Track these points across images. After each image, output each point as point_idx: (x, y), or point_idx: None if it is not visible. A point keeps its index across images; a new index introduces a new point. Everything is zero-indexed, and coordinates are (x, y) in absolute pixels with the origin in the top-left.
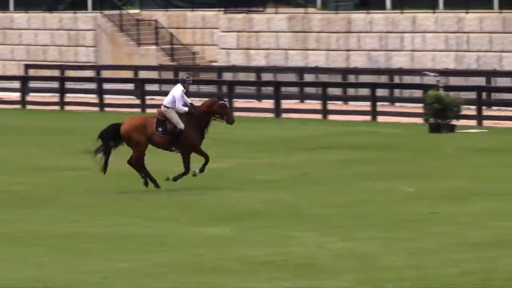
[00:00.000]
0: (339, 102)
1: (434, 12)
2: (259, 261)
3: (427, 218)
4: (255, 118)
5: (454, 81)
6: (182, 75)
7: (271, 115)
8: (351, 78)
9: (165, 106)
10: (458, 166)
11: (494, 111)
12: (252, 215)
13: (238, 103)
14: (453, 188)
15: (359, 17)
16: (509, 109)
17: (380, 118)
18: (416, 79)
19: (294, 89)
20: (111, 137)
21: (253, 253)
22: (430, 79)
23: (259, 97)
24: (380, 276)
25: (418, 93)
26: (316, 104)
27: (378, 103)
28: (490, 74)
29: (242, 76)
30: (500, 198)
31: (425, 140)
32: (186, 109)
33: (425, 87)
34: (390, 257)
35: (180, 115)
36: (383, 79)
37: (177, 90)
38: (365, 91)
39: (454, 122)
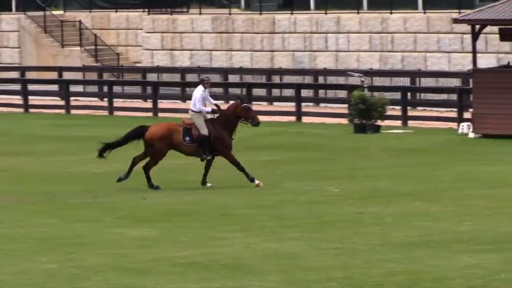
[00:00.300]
0: (264, 103)
1: (358, 13)
2: (187, 262)
3: (352, 218)
4: (180, 118)
5: (378, 81)
6: (202, 76)
7: None
8: (276, 79)
9: (191, 110)
10: (383, 167)
11: (419, 112)
12: (180, 216)
13: (163, 104)
14: (378, 189)
15: (283, 18)
16: (434, 109)
17: (305, 119)
18: (341, 80)
19: (218, 90)
20: (134, 138)
21: (181, 254)
22: (354, 80)
23: (184, 98)
24: (307, 276)
25: (342, 93)
26: None
27: (303, 104)
28: (414, 74)
29: (166, 77)
30: (424, 198)
31: (350, 140)
32: (208, 109)
33: (349, 88)
34: (317, 257)
35: (205, 121)
36: (308, 79)
37: (198, 91)
38: (289, 92)
39: (379, 122)
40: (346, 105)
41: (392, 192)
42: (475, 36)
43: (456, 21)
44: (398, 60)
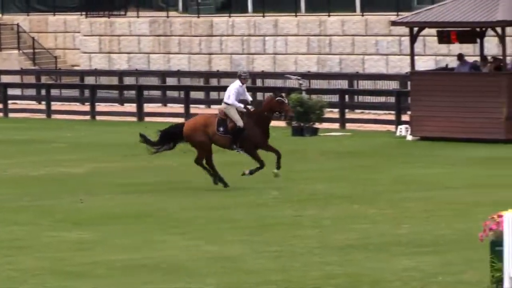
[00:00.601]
0: (202, 106)
1: (296, 15)
2: (125, 265)
3: (291, 221)
4: (118, 122)
5: (316, 84)
6: (240, 70)
7: (133, 119)
8: (214, 82)
9: (224, 103)
10: (321, 169)
11: (357, 114)
12: (118, 219)
13: (100, 107)
14: (316, 191)
15: (221, 20)
16: (372, 112)
17: None
18: (279, 82)
19: (156, 93)
20: (172, 137)
21: (118, 257)
22: (292, 82)
23: (122, 101)
24: (246, 279)
25: None
26: (178, 108)
27: None
28: (352, 77)
29: (104, 80)
30: (363, 201)
31: (288, 143)
32: (240, 105)
33: (287, 90)
34: (256, 260)
35: (241, 114)
36: None
37: (233, 85)
38: None
39: (317, 125)
40: None
41: (331, 195)
42: (413, 38)
43: (394, 23)
44: (336, 62)
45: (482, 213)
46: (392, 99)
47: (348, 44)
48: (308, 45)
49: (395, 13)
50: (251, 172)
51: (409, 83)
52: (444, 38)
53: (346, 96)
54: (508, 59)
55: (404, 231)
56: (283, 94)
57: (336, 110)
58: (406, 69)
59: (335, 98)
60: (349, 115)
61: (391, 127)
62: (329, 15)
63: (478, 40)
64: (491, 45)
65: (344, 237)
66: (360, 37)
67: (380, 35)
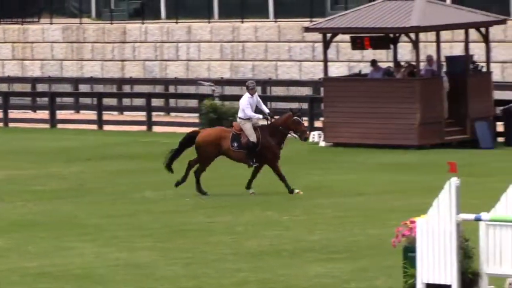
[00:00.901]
0: (115, 113)
1: (209, 22)
2: (37, 272)
3: (204, 228)
4: (31, 129)
5: (229, 90)
6: (248, 81)
7: (46, 125)
8: (127, 88)
9: (239, 118)
10: (234, 175)
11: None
12: (29, 226)
13: (13, 114)
14: (229, 198)
15: (134, 27)
16: None
17: (156, 128)
18: (192, 89)
19: (69, 100)
20: (188, 143)
21: (30, 264)
22: (205, 89)
23: (34, 108)
24: (157, 286)
25: (193, 102)
26: (91, 115)
27: (154, 113)
28: (265, 83)
29: (17, 87)
30: (276, 207)
31: None
32: (258, 116)
33: (200, 97)
34: (168, 267)
35: (254, 128)
36: (159, 88)
37: (243, 99)
38: (140, 101)
39: None
40: (197, 114)
41: (244, 201)
42: (326, 44)
43: (307, 29)
44: (249, 69)
45: (395, 219)
46: (305, 106)
47: (261, 50)
48: (221, 51)
49: (308, 19)
50: (290, 190)
51: (322, 89)
52: (357, 44)
53: None
54: (421, 65)
55: (317, 237)
56: (300, 114)
57: None
58: (319, 75)
59: None
60: (261, 121)
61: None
62: (242, 22)
63: (392, 46)
64: (405, 51)
65: (257, 244)
66: (273, 43)
67: (293, 41)
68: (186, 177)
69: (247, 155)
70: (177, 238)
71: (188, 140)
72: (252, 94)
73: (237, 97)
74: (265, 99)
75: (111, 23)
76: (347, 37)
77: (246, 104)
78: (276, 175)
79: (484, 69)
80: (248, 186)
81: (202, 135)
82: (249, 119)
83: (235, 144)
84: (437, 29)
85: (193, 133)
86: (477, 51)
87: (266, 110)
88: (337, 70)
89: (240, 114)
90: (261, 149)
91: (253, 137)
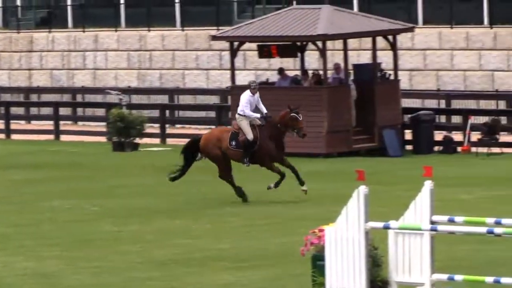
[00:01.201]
0: (22, 122)
1: (116, 30)
2: None
3: (112, 236)
4: None
5: (137, 99)
6: (249, 81)
7: None
8: (34, 97)
9: (238, 114)
10: (143, 184)
11: (177, 129)
12: None
13: None
14: (138, 206)
15: (41, 36)
16: (192, 127)
17: (64, 137)
18: (99, 98)
19: None
20: (191, 150)
21: None
22: (113, 98)
23: None
24: None
25: (101, 111)
26: None
27: (61, 122)
28: (173, 91)
29: None
30: (185, 216)
31: (109, 158)
32: (256, 115)
33: (108, 106)
34: (75, 276)
35: (253, 127)
36: (66, 97)
37: (244, 95)
38: (47, 110)
39: (137, 140)
40: (104, 123)
41: (152, 210)
42: (233, 53)
43: (214, 38)
44: (156, 77)
45: (304, 227)
46: (212, 114)
47: (168, 59)
48: (129, 60)
49: (215, 28)
50: (276, 185)
51: (229, 97)
52: (264, 52)
53: (167, 111)
54: (328, 73)
55: (226, 245)
56: (298, 111)
57: (157, 125)
58: (227, 83)
59: (155, 113)
60: (169, 130)
61: None
62: (149, 30)
63: (299, 54)
64: (312, 59)
65: (166, 252)
66: (180, 52)
67: (200, 49)
68: (235, 188)
69: (243, 154)
70: (85, 247)
71: (192, 149)
72: (253, 94)
73: (145, 106)
74: (173, 108)
75: (18, 32)
76: (254, 45)
77: (245, 102)
78: (275, 173)
79: (392, 77)
80: (301, 183)
81: (202, 140)
82: (245, 116)
83: (233, 143)
84: (344, 37)
85: (194, 141)
86: (385, 59)
87: (264, 110)
88: (244, 78)
89: (239, 111)
90: (258, 149)
91: (250, 135)
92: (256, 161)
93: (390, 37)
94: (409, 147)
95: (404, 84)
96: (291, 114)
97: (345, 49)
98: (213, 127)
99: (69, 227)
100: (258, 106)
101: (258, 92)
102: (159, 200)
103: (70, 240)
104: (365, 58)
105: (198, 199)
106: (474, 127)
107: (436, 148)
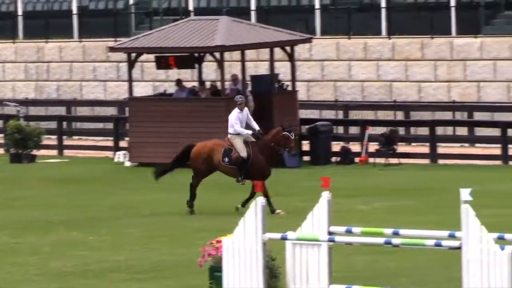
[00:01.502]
0: None
1: (13, 42)
2: None
3: (9, 248)
4: None
5: (35, 111)
6: (236, 97)
7: None
8: None
9: (229, 133)
10: (40, 196)
11: (75, 141)
12: None
13: None
14: (35, 218)
15: None
16: (90, 138)
17: None
18: None
19: None
20: (183, 157)
21: None
22: (10, 109)
23: None
24: None
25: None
26: None
27: None
28: (70, 103)
29: None
30: (82, 227)
31: (6, 170)
32: (247, 131)
33: (6, 117)
34: None
35: (246, 144)
36: None
37: (232, 114)
38: None
39: (34, 152)
40: (2, 135)
41: (50, 221)
42: (131, 64)
43: (112, 49)
44: (54, 89)
45: (202, 238)
46: (110, 125)
47: (66, 70)
48: (26, 71)
49: (113, 39)
50: (273, 210)
51: (127, 109)
52: (162, 63)
53: (64, 123)
54: (226, 84)
55: (123, 257)
56: (291, 129)
57: (54, 136)
58: (124, 95)
59: (53, 124)
60: (67, 141)
61: (110, 154)
62: (46, 42)
63: (197, 65)
64: (210, 70)
65: (63, 264)
66: (78, 63)
67: (98, 61)
68: (191, 198)
69: (237, 171)
70: None
71: (185, 155)
72: (241, 109)
73: (43, 118)
74: (70, 119)
75: None
76: (151, 56)
77: (235, 120)
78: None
79: (289, 88)
80: (271, 210)
81: (194, 150)
82: (238, 134)
83: (226, 160)
84: (242, 48)
85: (188, 147)
86: (283, 69)
87: (256, 127)
88: (141, 89)
89: (230, 130)
90: (252, 166)
91: (243, 153)
92: (250, 177)
93: (288, 48)
94: (306, 158)
95: (301, 95)
96: (284, 133)
97: (243, 60)
98: (111, 139)
99: None
100: (250, 123)
101: (246, 108)
102: (56, 212)
103: None
104: (263, 69)
105: (96, 210)
106: (372, 138)
107: (333, 159)
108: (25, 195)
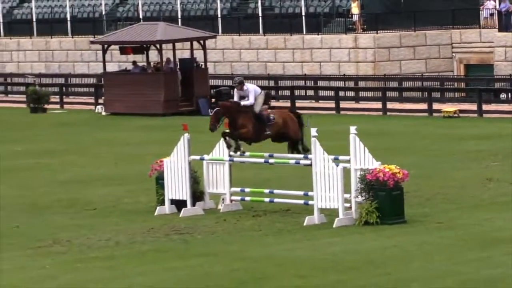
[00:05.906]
0: None
1: (30, 38)
2: None
3: (34, 165)
4: None
5: (44, 80)
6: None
7: None
8: None
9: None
10: (48, 134)
11: (71, 99)
12: None
13: None
14: (47, 148)
15: None
16: (81, 97)
17: None
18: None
19: None
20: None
21: None
22: (29, 80)
23: None
24: None
25: (22, 88)
26: None
27: None
28: (67, 76)
29: None
30: (75, 153)
31: (28, 117)
32: (249, 101)
33: (26, 85)
34: None
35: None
36: None
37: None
38: None
39: (45, 106)
40: (24, 96)
41: (55, 150)
42: (104, 51)
43: (92, 42)
44: (57, 67)
45: (150, 160)
46: (92, 89)
47: (64, 55)
48: (39, 56)
49: (93, 36)
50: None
51: (103, 79)
52: (124, 51)
53: (64, 88)
54: (164, 64)
55: (102, 171)
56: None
57: (58, 96)
58: (100, 70)
59: (56, 89)
60: (66, 99)
61: (92, 107)
62: (51, 37)
63: (145, 52)
64: (153, 55)
65: (70, 176)
66: (71, 51)
67: (84, 50)
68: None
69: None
70: None
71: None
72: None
73: (50, 85)
74: (67, 86)
75: None
76: (117, 47)
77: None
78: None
79: (203, 66)
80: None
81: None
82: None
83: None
84: (173, 41)
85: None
86: (199, 55)
87: (242, 102)
88: (112, 67)
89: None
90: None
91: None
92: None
93: (202, 42)
94: None
95: (210, 70)
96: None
97: (174, 49)
98: (93, 97)
99: None
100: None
101: (246, 85)
102: (59, 144)
103: None
104: (186, 54)
105: (83, 142)
106: None
107: None
108: (41, 133)
